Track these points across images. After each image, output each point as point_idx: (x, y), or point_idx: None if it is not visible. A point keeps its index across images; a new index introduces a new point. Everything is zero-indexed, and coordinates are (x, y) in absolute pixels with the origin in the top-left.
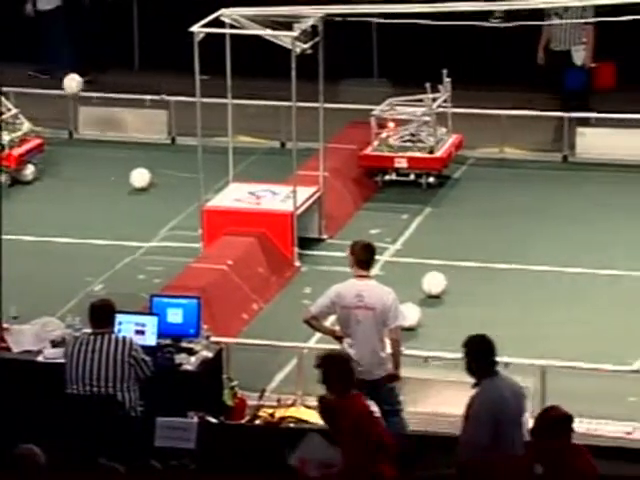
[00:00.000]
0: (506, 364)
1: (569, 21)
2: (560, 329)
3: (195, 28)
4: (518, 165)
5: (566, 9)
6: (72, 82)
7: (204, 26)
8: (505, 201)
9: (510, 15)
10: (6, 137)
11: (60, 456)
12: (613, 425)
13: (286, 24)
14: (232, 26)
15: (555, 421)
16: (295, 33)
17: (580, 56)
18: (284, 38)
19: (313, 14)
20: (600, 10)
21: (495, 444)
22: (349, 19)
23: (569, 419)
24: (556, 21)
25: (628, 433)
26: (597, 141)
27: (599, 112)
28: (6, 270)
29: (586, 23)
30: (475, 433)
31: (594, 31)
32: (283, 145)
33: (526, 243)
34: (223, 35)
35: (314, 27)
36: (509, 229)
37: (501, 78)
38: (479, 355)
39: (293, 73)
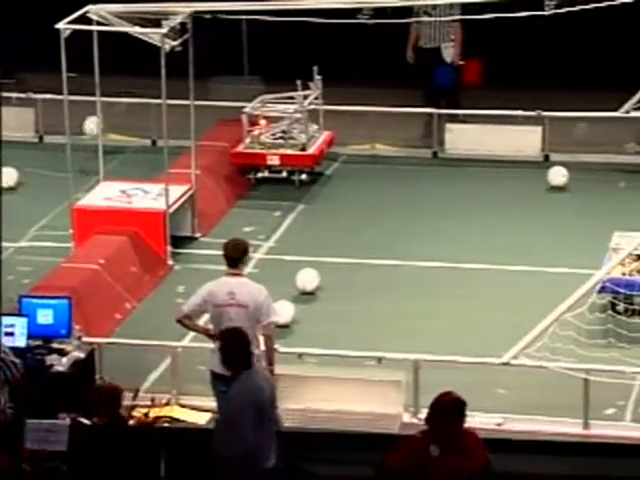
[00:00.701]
0: (379, 359)
1: (437, 19)
2: (432, 323)
3: (61, 25)
4: (389, 161)
5: (434, 7)
6: None
7: (71, 23)
8: (377, 197)
9: (378, 12)
10: None
11: None
12: (483, 417)
13: (154, 21)
14: (99, 23)
15: (448, 405)
16: (164, 30)
17: (449, 53)
18: (153, 35)
19: (182, 11)
20: (467, 8)
21: (259, 428)
22: (218, 16)
23: (462, 403)
24: (424, 18)
25: (498, 425)
26: (465, 137)
27: (466, 109)
28: None
29: (453, 21)
30: (244, 426)
31: (462, 28)
32: (154, 143)
33: (398, 239)
34: (91, 32)
35: (183, 24)
36: (381, 225)
37: (371, 75)
38: (237, 348)
39: (163, 70)
